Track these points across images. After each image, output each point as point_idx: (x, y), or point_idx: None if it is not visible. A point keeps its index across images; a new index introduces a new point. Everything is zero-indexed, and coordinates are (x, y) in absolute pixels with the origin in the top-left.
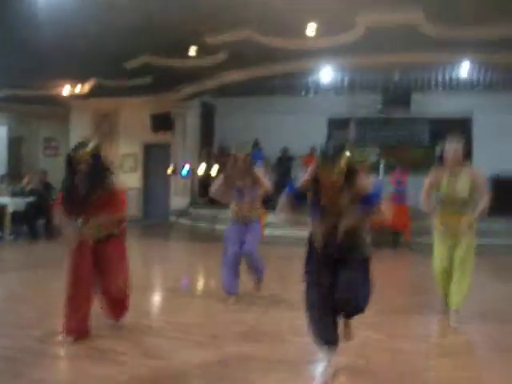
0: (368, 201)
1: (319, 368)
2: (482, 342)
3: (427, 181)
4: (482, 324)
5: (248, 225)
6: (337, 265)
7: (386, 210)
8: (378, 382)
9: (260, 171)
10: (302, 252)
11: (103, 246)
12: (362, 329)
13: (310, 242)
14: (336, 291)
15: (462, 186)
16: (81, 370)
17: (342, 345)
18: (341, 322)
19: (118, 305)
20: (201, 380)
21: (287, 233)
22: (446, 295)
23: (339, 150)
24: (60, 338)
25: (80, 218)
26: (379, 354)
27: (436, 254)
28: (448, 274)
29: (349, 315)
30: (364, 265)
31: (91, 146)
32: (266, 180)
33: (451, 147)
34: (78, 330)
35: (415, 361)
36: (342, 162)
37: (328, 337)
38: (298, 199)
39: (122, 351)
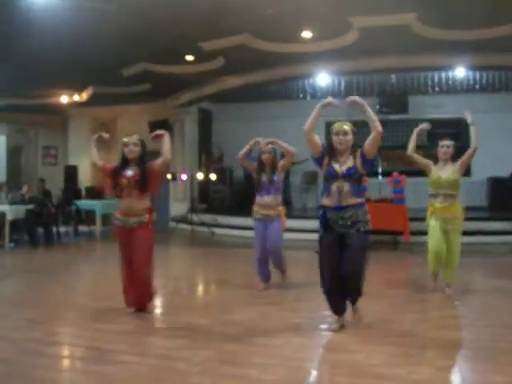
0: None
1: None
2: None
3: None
4: (477, 322)
5: (269, 223)
6: (343, 239)
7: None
8: (376, 377)
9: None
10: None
11: (134, 232)
12: (358, 327)
13: (323, 216)
14: (343, 265)
15: (447, 171)
16: (81, 369)
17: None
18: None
19: (142, 291)
20: (201, 377)
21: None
22: (436, 274)
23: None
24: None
25: (121, 199)
26: (375, 351)
27: (431, 235)
28: (440, 254)
29: (351, 282)
30: (364, 237)
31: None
32: (289, 147)
33: (443, 144)
34: (135, 303)
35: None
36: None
37: (335, 308)
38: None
39: (122, 350)
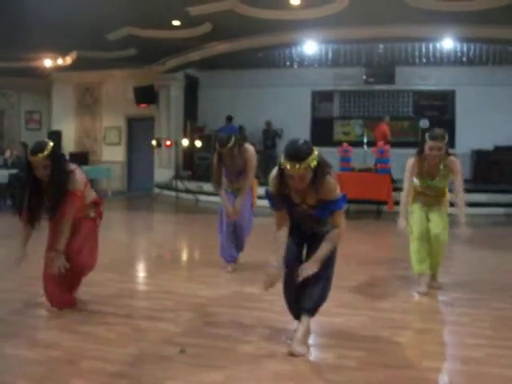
0: (334, 203)
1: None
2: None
3: (407, 173)
4: (457, 290)
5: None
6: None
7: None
8: (355, 340)
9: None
10: None
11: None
12: (341, 291)
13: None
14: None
15: (440, 179)
16: (68, 329)
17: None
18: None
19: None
20: (185, 337)
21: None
22: (421, 262)
23: (307, 149)
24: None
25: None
26: (357, 314)
27: (413, 224)
28: (424, 239)
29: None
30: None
31: (48, 148)
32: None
33: (432, 147)
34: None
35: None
36: (310, 159)
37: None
38: (283, 201)
39: (107, 312)
